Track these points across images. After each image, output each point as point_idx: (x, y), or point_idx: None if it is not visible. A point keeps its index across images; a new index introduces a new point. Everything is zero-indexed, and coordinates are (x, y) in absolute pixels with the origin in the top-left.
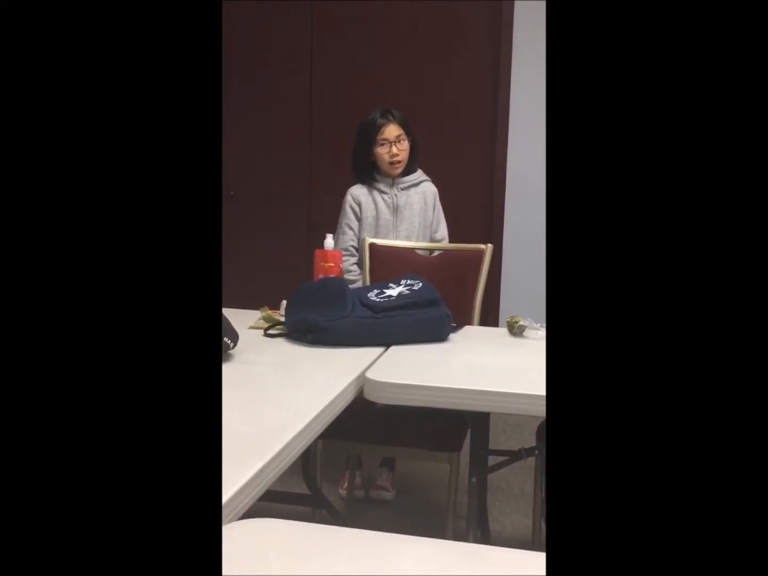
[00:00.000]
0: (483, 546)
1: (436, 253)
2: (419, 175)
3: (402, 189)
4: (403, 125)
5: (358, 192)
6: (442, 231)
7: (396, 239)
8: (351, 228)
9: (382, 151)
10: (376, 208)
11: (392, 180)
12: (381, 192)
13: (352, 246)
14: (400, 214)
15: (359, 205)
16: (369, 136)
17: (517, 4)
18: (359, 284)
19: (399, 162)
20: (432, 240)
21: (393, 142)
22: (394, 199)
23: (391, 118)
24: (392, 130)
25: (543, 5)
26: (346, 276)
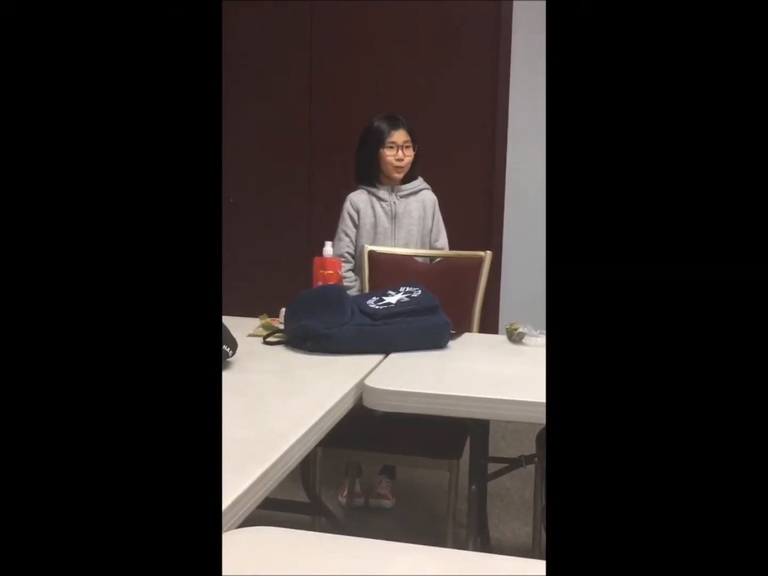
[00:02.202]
0: (482, 554)
1: (435, 260)
2: (419, 183)
3: (401, 197)
4: (410, 132)
5: (357, 198)
6: (442, 240)
7: (394, 247)
8: (348, 235)
9: (389, 153)
10: (375, 216)
11: (392, 187)
12: (380, 199)
13: (348, 252)
14: (399, 222)
15: (357, 212)
16: (378, 137)
17: (515, 4)
18: (355, 291)
19: (403, 167)
20: (432, 249)
21: (401, 147)
22: (393, 206)
23: (400, 123)
24: (401, 135)
25: (541, 5)
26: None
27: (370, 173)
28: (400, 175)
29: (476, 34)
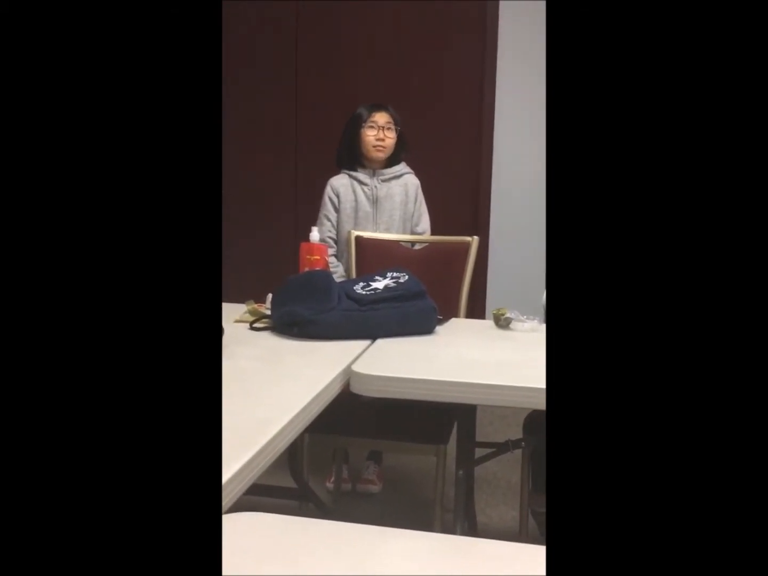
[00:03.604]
0: (469, 538)
1: (418, 245)
2: (402, 167)
3: (383, 181)
4: (393, 116)
5: (337, 183)
6: (424, 224)
7: (375, 231)
8: (329, 219)
9: (369, 133)
10: (356, 200)
11: (373, 171)
12: (361, 183)
13: (330, 237)
14: (380, 206)
15: (338, 195)
16: (359, 119)
17: (501, 4)
18: (338, 276)
19: (384, 148)
20: (413, 233)
21: (382, 127)
22: (374, 190)
23: (382, 107)
24: (382, 116)
25: (527, 5)
26: None
27: (350, 156)
28: (380, 155)
29: (463, 33)
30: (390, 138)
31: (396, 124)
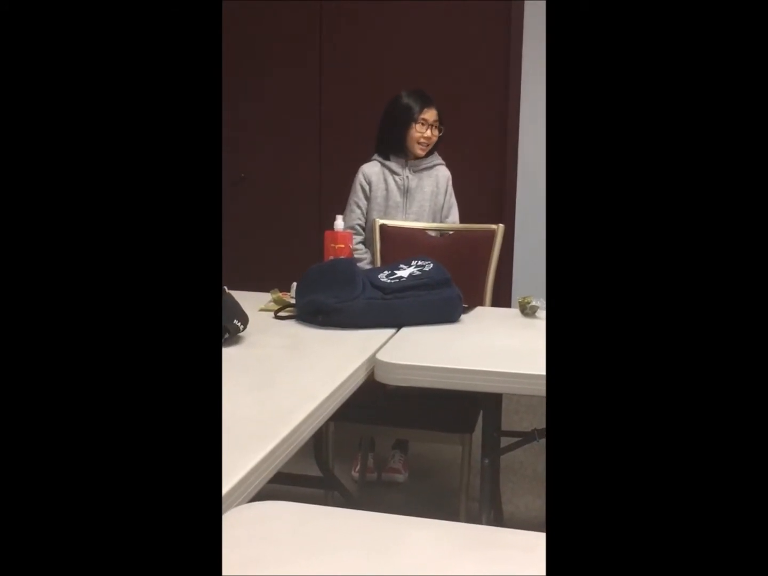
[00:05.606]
0: (495, 528)
1: (444, 234)
2: (434, 158)
3: (414, 171)
4: (439, 113)
5: (369, 171)
6: (453, 217)
7: (405, 221)
8: (359, 207)
9: (419, 129)
10: (387, 189)
11: (405, 161)
12: (393, 173)
13: (359, 225)
14: (411, 196)
15: (370, 184)
16: (410, 113)
17: (526, 5)
18: (365, 263)
19: (428, 146)
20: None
21: (431, 125)
22: (406, 181)
23: (431, 101)
24: (432, 114)
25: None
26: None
27: (391, 146)
28: (422, 153)
29: (487, 33)
30: (435, 136)
31: (441, 122)
